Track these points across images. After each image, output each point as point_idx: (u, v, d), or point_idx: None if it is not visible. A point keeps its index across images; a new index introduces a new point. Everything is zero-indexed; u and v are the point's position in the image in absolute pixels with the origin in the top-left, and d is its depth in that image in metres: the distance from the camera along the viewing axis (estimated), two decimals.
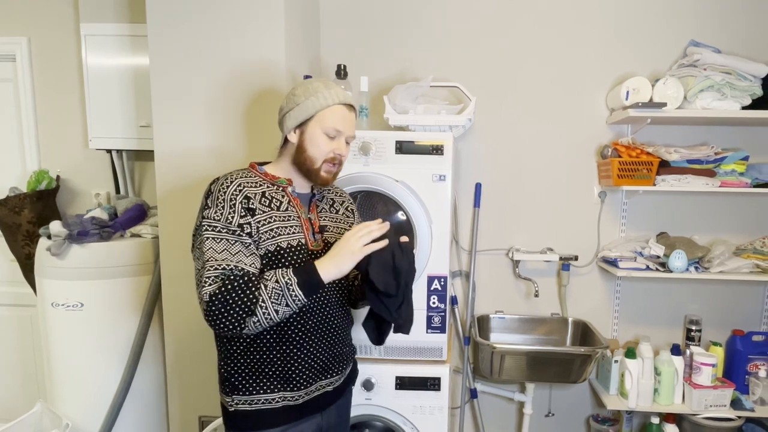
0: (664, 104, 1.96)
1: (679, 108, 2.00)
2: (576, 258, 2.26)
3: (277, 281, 1.13)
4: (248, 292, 1.12)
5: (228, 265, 1.14)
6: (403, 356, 1.83)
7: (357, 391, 1.75)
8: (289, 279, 1.14)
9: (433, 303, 1.80)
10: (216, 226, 1.18)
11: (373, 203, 2.04)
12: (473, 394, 2.32)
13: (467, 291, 2.31)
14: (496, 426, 2.42)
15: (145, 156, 2.31)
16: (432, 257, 1.77)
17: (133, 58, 2.13)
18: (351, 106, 1.31)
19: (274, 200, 1.26)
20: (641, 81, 2.02)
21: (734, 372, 2.14)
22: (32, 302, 2.30)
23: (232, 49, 1.77)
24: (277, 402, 1.25)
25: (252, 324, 1.13)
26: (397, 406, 1.81)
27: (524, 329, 2.31)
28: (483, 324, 2.28)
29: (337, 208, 1.43)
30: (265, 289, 1.13)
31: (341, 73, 1.82)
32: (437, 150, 1.73)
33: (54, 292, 1.92)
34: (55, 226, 1.90)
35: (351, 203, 1.49)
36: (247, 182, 1.25)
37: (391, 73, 2.27)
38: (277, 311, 1.13)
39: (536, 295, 2.20)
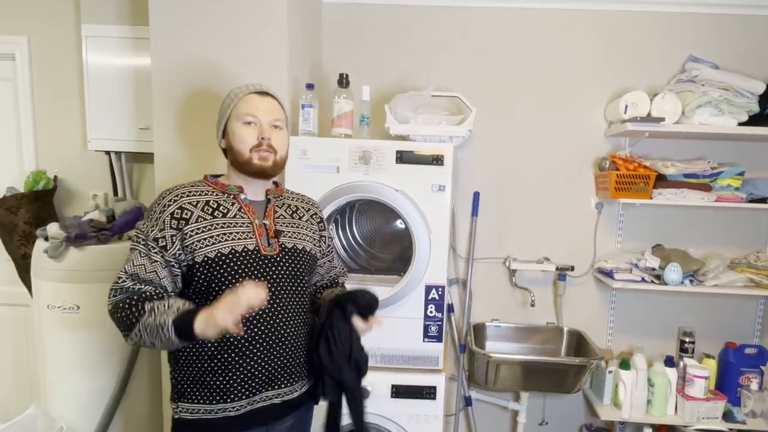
0: (662, 119, 1.98)
1: (676, 123, 2.02)
2: (572, 268, 2.28)
3: (155, 319, 1.12)
4: (130, 313, 1.15)
5: (133, 275, 1.18)
6: (399, 364, 1.83)
7: None
8: (165, 323, 1.11)
9: (431, 312, 1.81)
10: (140, 238, 1.22)
11: (372, 212, 2.05)
12: (468, 401, 2.32)
13: (464, 299, 2.32)
14: None
15: (143, 158, 2.31)
16: (430, 267, 1.77)
17: (133, 59, 2.13)
18: (264, 93, 1.30)
19: (220, 207, 1.25)
20: (640, 95, 2.03)
21: (726, 384, 2.16)
22: (26, 302, 2.29)
23: (234, 55, 1.77)
24: (216, 413, 1.22)
25: (131, 341, 1.17)
26: (393, 414, 1.81)
27: (520, 338, 2.32)
28: (479, 332, 2.29)
29: (301, 215, 1.39)
30: (144, 319, 1.13)
31: (343, 81, 1.83)
32: (437, 160, 1.74)
33: (50, 294, 1.91)
34: (53, 228, 1.89)
35: (320, 212, 1.47)
36: (190, 191, 1.25)
37: (392, 81, 2.28)
38: (153, 344, 1.14)
39: (532, 305, 2.21)
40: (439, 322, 1.82)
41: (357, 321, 1.30)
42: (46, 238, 1.91)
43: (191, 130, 1.81)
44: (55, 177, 2.33)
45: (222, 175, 1.36)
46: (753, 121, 2.01)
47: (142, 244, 1.20)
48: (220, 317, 1.06)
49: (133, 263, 1.19)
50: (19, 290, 2.29)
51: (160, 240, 1.19)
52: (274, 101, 1.31)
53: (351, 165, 1.74)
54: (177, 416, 1.25)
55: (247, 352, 1.21)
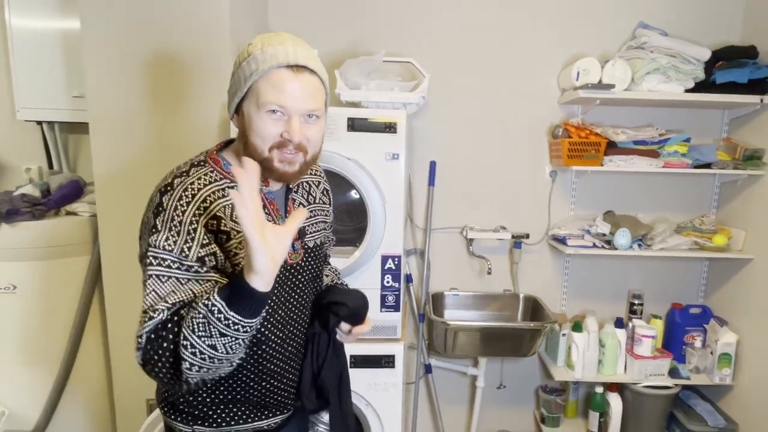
0: (613, 86, 1.99)
1: (626, 90, 2.04)
2: (527, 236, 2.31)
3: (198, 309, 0.84)
4: (174, 336, 0.86)
5: (166, 310, 0.88)
6: None
7: None
8: (213, 300, 0.82)
9: (387, 282, 1.80)
10: (165, 260, 0.90)
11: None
12: (428, 369, 2.35)
13: (422, 269, 2.32)
14: (449, 399, 2.47)
15: (79, 128, 2.15)
16: (386, 236, 1.75)
17: (62, 21, 1.96)
18: (301, 67, 0.93)
19: None
20: (591, 62, 2.04)
21: (672, 343, 2.25)
22: None
23: (171, 8, 1.65)
24: (247, 430, 1.07)
25: (190, 374, 0.85)
26: (352, 384, 1.80)
27: (477, 305, 2.35)
28: (437, 301, 2.31)
29: (314, 194, 1.14)
30: (188, 325, 0.84)
31: None
32: (390, 128, 1.70)
33: None
34: None
35: (326, 182, 1.20)
36: (214, 193, 0.95)
37: (343, 45, 2.20)
38: (213, 346, 0.83)
39: (489, 273, 2.23)
40: (396, 292, 1.81)
41: (341, 333, 1.16)
42: None
43: (128, 96, 1.70)
44: None
45: (230, 141, 1.08)
46: (699, 88, 2.06)
47: (175, 268, 0.90)
48: (243, 221, 0.76)
49: (158, 295, 0.89)
50: None
51: (207, 259, 0.92)
52: (314, 79, 0.95)
53: None
54: None
55: (284, 373, 1.09)
